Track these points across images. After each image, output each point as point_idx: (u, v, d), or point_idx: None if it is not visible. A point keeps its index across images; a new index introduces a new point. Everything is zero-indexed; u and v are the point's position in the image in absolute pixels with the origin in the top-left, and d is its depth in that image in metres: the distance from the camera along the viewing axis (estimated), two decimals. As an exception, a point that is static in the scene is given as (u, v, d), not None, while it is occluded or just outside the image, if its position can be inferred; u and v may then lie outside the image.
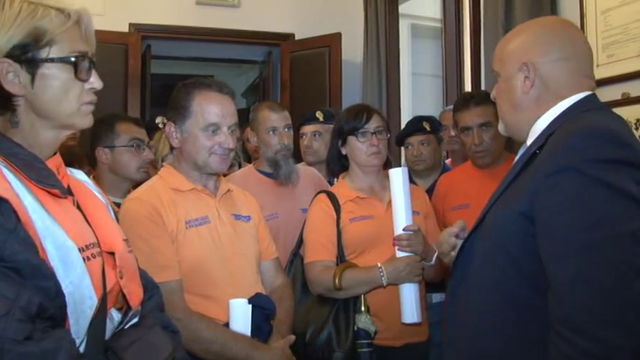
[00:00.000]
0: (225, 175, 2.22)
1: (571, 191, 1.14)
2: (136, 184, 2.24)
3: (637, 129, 2.44)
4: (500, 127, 1.50)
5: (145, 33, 4.78)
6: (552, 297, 1.16)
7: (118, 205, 1.91)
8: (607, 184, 1.12)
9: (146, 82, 4.85)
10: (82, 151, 2.53)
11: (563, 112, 1.33)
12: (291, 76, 5.00)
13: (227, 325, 1.75)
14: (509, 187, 1.33)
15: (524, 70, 1.36)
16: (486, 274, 1.32)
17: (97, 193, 1.37)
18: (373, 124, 2.23)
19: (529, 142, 1.39)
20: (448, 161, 3.38)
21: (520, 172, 1.32)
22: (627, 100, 2.49)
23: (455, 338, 1.42)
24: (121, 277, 1.20)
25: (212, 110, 1.84)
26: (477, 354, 1.33)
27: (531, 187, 1.22)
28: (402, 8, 4.85)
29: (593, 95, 1.36)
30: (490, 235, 1.32)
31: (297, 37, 5.05)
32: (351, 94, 4.68)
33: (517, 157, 1.44)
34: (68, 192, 1.20)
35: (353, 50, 4.81)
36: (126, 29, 4.70)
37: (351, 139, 2.25)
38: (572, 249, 1.12)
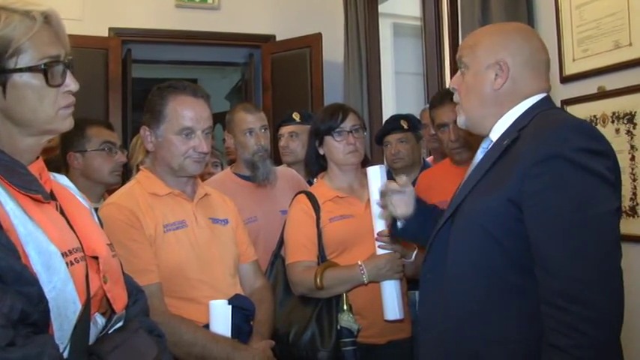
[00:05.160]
0: (203, 179, 2.21)
1: (560, 176, 1.26)
2: (110, 189, 2.23)
3: (613, 122, 2.46)
4: (461, 120, 1.55)
5: (125, 37, 4.74)
6: (545, 273, 1.26)
7: (94, 210, 1.89)
8: (589, 170, 1.26)
9: (127, 86, 4.81)
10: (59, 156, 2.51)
11: (528, 109, 1.44)
12: (272, 78, 4.99)
13: (207, 326, 1.75)
14: (484, 177, 1.41)
15: (496, 67, 1.44)
16: (468, 259, 1.39)
17: (80, 198, 1.36)
18: (349, 122, 2.24)
19: (494, 136, 1.48)
20: (430, 159, 3.40)
21: (495, 163, 1.40)
22: (603, 94, 2.51)
23: (433, 323, 1.47)
24: (105, 282, 1.19)
25: (186, 114, 1.84)
26: (462, 334, 1.38)
27: (516, 175, 1.31)
28: (384, 7, 4.86)
29: (549, 96, 1.49)
30: (470, 221, 1.39)
31: (277, 39, 5.04)
32: (333, 94, 4.68)
33: (480, 150, 1.53)
34: (51, 197, 1.19)
35: (334, 50, 4.81)
36: (105, 34, 4.66)
37: (328, 138, 2.25)
38: (564, 227, 1.24)
